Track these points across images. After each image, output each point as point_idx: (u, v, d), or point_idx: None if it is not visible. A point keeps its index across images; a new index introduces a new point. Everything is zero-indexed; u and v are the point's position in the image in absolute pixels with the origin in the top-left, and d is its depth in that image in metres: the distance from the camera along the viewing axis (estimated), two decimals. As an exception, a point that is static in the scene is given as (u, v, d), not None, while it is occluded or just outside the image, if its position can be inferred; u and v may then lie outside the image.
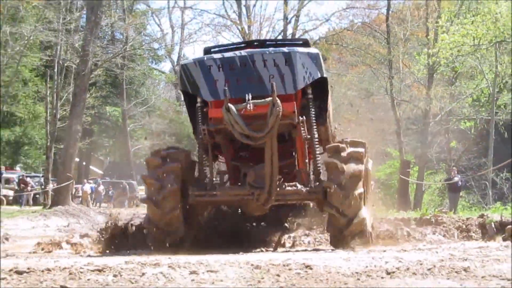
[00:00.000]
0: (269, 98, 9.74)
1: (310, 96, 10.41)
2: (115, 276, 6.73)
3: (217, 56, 10.69)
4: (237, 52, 10.68)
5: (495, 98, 34.79)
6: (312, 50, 10.69)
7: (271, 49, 10.61)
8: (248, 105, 9.86)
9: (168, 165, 10.67)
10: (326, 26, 46.40)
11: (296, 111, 10.13)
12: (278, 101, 9.63)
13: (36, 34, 36.54)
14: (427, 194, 37.72)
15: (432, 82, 36.02)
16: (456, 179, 29.99)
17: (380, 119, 40.49)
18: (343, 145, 10.26)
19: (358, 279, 7.73)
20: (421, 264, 8.70)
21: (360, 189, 10.25)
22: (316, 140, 10.54)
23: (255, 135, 9.90)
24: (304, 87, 10.32)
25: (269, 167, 9.98)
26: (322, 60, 10.49)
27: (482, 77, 35.96)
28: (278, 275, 7.27)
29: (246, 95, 10.00)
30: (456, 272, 8.06)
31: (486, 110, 36.52)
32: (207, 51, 12.23)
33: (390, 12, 38.85)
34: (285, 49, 10.40)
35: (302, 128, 10.34)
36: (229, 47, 12.41)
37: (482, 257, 9.41)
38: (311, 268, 8.21)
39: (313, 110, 10.43)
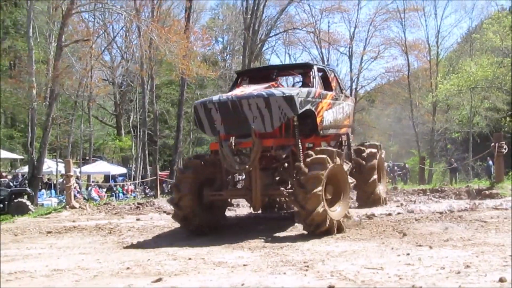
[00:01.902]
0: (250, 138, 10.54)
1: (296, 123, 10.80)
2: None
3: (215, 99, 11.03)
4: (230, 97, 10.87)
5: (471, 120, 45.37)
6: (288, 93, 10.50)
7: (255, 93, 10.64)
8: (233, 143, 10.71)
9: (184, 173, 11.42)
10: (374, 83, 55.64)
11: (274, 144, 10.95)
12: (257, 140, 10.48)
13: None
14: (435, 175, 45.86)
15: (435, 111, 47.37)
16: (455, 165, 39.66)
17: (407, 133, 52.99)
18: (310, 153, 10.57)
19: (400, 223, 12.24)
20: (433, 213, 13.28)
21: (318, 188, 10.21)
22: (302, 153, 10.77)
23: (240, 168, 10.83)
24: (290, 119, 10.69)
25: (254, 185, 10.82)
26: (296, 100, 10.39)
27: (463, 108, 46.36)
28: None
29: (234, 133, 10.99)
30: (454, 218, 12.57)
31: (466, 125, 46.69)
32: (238, 74, 13.67)
33: (410, 73, 49.65)
34: (265, 94, 10.46)
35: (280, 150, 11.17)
36: (256, 70, 14.90)
37: (469, 210, 13.82)
38: (371, 218, 12.92)
39: (298, 133, 10.91)
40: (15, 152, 37.78)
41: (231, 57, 57.40)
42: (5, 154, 29.66)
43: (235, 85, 12.84)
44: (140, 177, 43.28)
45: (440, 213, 13.45)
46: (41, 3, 35.23)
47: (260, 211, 13.33)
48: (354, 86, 52.00)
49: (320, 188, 10.32)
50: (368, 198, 14.62)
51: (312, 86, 11.76)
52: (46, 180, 36.64)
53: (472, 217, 12.63)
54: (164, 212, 17.08)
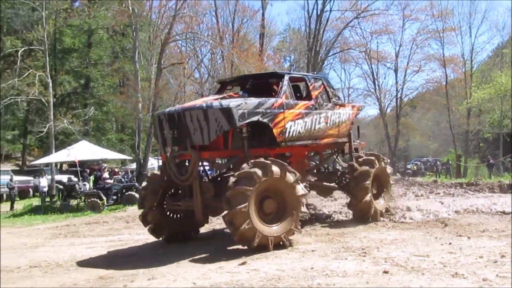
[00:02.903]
0: (188, 150, 8.95)
1: (245, 134, 8.98)
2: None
3: (166, 111, 9.55)
4: (176, 108, 9.51)
5: (501, 122, 43.88)
6: (226, 105, 8.74)
7: (197, 105, 9.06)
8: (169, 154, 9.33)
9: (146, 189, 9.91)
10: (416, 92, 52.81)
11: (210, 157, 9.25)
12: (194, 152, 8.80)
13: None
14: (469, 170, 43.18)
15: (469, 115, 46.16)
16: (492, 161, 37.82)
17: (444, 133, 53.02)
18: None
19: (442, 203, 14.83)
20: (471, 206, 13.04)
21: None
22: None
23: (180, 179, 9.15)
24: (240, 128, 8.97)
25: (195, 197, 8.97)
26: (235, 113, 8.63)
27: (494, 112, 44.71)
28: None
29: (180, 145, 9.26)
30: (490, 209, 12.57)
31: (497, 127, 44.98)
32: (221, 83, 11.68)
33: (447, 83, 48.26)
34: (204, 106, 8.78)
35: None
36: (237, 79, 11.48)
37: (502, 203, 13.36)
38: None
39: (247, 145, 9.07)
40: (124, 153, 38.72)
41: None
42: (117, 155, 30.58)
43: (217, 93, 11.00)
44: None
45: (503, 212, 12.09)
46: (144, 33, 36.10)
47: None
48: (399, 95, 51.09)
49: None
50: (357, 205, 11.25)
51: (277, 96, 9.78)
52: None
53: (507, 208, 12.34)
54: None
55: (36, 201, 24.08)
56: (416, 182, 28.02)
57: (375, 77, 50.50)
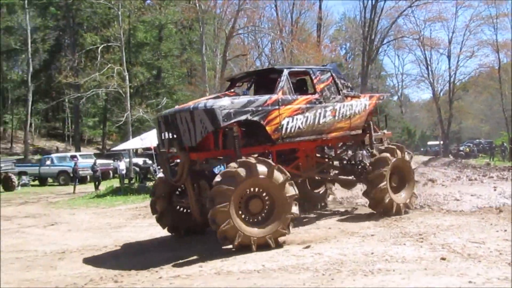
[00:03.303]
0: (178, 151, 8.56)
1: (236, 134, 8.27)
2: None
3: (163, 113, 9.18)
4: (170, 110, 9.06)
5: None
6: (210, 105, 8.10)
7: (186, 107, 8.55)
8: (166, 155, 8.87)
9: (160, 179, 9.55)
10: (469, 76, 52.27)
11: (199, 158, 8.48)
12: (183, 154, 8.34)
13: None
14: None
15: None
16: None
17: (497, 117, 51.57)
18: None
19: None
20: None
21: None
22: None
23: (172, 180, 8.71)
24: (227, 127, 8.28)
25: (190, 197, 8.50)
26: (218, 113, 7.96)
27: None
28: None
29: (174, 146, 8.77)
30: None
31: None
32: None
33: (500, 68, 47.22)
34: (191, 108, 8.22)
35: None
36: (244, 76, 10.71)
37: None
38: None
39: (238, 144, 8.30)
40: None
41: (352, 60, 57.05)
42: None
43: (227, 91, 10.47)
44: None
45: None
46: (209, 26, 36.37)
47: None
48: (452, 80, 50.15)
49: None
50: (370, 192, 10.26)
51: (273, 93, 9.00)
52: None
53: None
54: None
55: (116, 183, 24.86)
56: (469, 164, 27.59)
57: (428, 63, 49.88)
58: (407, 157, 10.66)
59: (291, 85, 9.20)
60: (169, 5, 37.56)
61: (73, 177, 26.78)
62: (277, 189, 7.85)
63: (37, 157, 38.79)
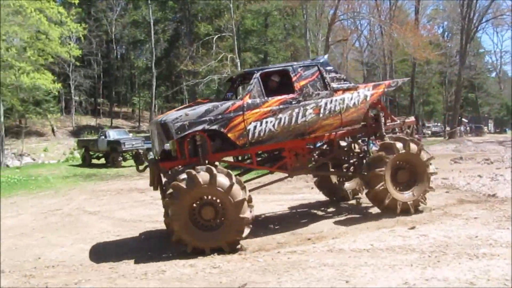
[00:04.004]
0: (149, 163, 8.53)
1: (199, 142, 7.81)
2: None
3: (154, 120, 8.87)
4: (153, 120, 9.16)
5: None
6: (164, 119, 7.86)
7: (154, 120, 8.68)
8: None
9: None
10: None
11: (169, 167, 8.05)
12: (151, 163, 8.38)
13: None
14: None
15: None
16: None
17: None
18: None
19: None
20: None
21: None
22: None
23: (151, 187, 8.46)
24: (190, 136, 7.86)
25: (163, 202, 7.75)
26: (171, 126, 7.69)
27: None
28: None
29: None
30: None
31: None
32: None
33: None
34: (159, 120, 8.02)
35: None
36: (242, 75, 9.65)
37: None
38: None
39: (204, 152, 7.86)
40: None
41: (449, 39, 53.82)
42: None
43: (228, 91, 9.81)
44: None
45: None
46: (311, 11, 36.20)
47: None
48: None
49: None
50: (369, 193, 9.10)
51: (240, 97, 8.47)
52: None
53: None
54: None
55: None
56: None
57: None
58: (413, 150, 8.85)
59: (262, 88, 8.35)
60: (275, -5, 37.96)
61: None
62: (223, 196, 7.28)
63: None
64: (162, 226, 8.37)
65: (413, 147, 8.86)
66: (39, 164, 30.20)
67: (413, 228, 7.74)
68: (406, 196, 8.83)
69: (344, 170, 10.61)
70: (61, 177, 21.90)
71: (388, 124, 9.66)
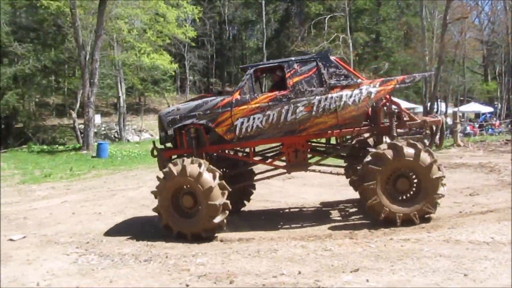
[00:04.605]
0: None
1: (193, 135, 8.29)
2: None
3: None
4: (160, 112, 9.22)
5: None
6: (160, 112, 8.80)
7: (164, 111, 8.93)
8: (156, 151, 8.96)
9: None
10: None
11: (168, 154, 8.70)
12: (158, 152, 8.78)
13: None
14: None
15: None
16: None
17: None
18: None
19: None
20: None
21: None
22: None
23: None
24: (189, 128, 8.36)
25: None
26: (164, 120, 8.39)
27: None
28: None
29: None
30: None
31: None
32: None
33: None
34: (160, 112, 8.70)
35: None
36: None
37: None
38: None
39: (196, 144, 8.33)
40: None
41: None
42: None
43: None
44: (504, 115, 39.36)
45: None
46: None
47: None
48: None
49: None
50: (364, 205, 8.24)
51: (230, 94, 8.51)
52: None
53: None
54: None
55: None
56: None
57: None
58: (409, 157, 7.67)
59: (253, 84, 8.38)
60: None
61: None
62: (202, 192, 7.64)
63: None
64: (272, 205, 8.57)
65: (408, 152, 7.69)
66: (157, 139, 32.15)
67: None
68: (405, 208, 7.80)
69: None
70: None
71: (402, 124, 8.53)
